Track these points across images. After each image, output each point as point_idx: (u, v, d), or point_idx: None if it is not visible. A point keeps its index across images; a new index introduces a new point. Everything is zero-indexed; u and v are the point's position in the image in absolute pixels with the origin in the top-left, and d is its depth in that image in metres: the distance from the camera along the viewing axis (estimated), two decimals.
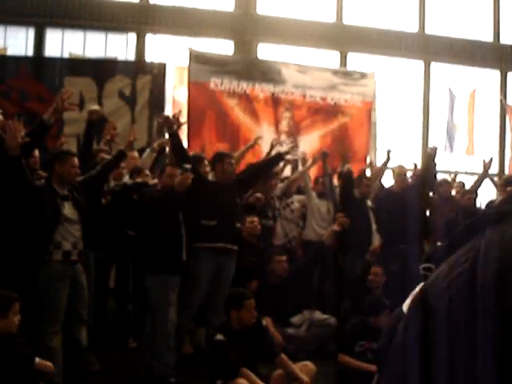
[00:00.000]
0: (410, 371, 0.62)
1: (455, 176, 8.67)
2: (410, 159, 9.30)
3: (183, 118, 6.60)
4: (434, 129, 11.49)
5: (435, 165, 7.88)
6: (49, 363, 3.99)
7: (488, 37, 11.98)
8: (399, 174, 7.72)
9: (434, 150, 7.75)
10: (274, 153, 7.11)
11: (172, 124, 5.92)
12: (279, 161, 6.56)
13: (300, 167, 8.01)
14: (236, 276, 6.10)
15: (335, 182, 7.85)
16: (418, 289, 0.70)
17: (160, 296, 5.41)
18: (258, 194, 6.70)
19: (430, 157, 7.82)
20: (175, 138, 5.90)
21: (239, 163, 7.13)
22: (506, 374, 0.56)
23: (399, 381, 0.63)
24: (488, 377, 0.56)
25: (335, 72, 10.01)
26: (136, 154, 6.75)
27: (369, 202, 7.41)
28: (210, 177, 6.15)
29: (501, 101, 11.25)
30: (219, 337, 4.72)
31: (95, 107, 6.22)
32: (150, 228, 5.53)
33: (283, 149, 9.08)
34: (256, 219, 6.63)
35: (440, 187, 7.99)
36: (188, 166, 5.41)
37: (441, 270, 0.66)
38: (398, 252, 6.87)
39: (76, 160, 5.15)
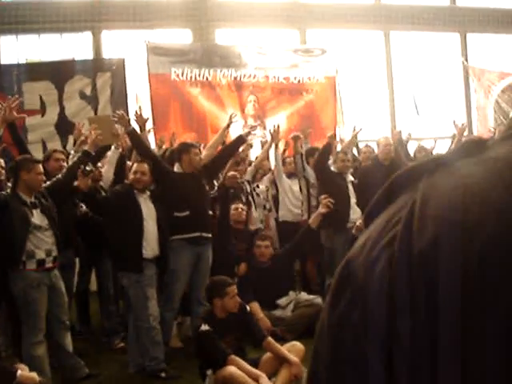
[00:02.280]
0: (335, 359, 0.52)
1: (435, 143, 8.68)
2: (379, 130, 9.34)
3: (145, 114, 6.51)
4: (400, 97, 11.49)
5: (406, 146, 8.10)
6: (32, 374, 3.93)
7: (445, 1, 12.04)
8: (386, 144, 7.73)
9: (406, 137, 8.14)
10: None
11: (126, 122, 5.90)
12: (241, 143, 6.54)
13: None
14: (226, 263, 6.15)
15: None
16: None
17: (137, 292, 5.39)
18: (231, 173, 6.63)
19: (400, 142, 7.97)
20: (133, 136, 5.86)
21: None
22: (442, 359, 0.46)
23: (327, 368, 0.53)
24: (422, 361, 0.47)
25: (296, 50, 9.99)
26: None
27: (349, 176, 7.38)
28: (176, 168, 6.08)
29: (462, 63, 11.30)
30: (204, 327, 4.70)
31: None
32: (112, 227, 5.52)
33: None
34: (240, 205, 6.69)
35: (418, 154, 8.08)
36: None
37: (368, 235, 0.53)
38: None
39: (41, 167, 5.08)
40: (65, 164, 6.04)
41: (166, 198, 5.77)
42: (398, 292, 0.48)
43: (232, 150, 6.50)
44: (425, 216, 0.49)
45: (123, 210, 5.44)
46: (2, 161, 5.51)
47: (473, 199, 0.48)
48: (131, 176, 5.61)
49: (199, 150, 6.21)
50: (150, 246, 5.49)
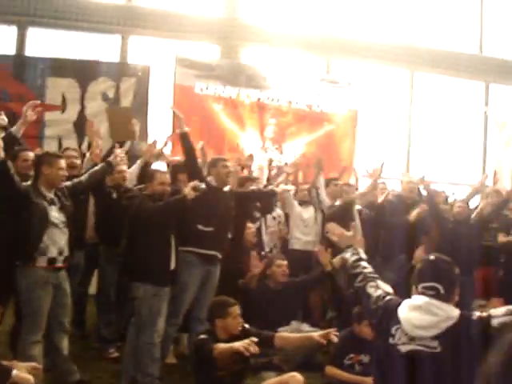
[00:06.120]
0: None
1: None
2: (395, 168, 9.30)
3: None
4: (417, 139, 11.47)
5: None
6: (28, 376, 3.81)
7: (473, 48, 12.03)
8: (409, 182, 7.69)
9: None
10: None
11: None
12: (272, 196, 6.99)
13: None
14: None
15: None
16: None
17: (152, 307, 5.17)
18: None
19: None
20: (184, 138, 5.92)
21: None
22: None
23: None
24: None
25: (321, 79, 9.98)
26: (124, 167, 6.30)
27: (357, 206, 7.29)
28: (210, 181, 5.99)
29: (485, 112, 11.29)
30: (203, 336, 4.55)
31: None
32: (141, 237, 5.24)
33: (268, 155, 9.12)
34: (252, 226, 6.71)
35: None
36: (203, 186, 5.30)
37: None
38: (397, 261, 6.87)
39: (63, 162, 5.01)
40: (77, 161, 6.04)
41: (194, 209, 5.44)
42: None
43: (260, 197, 6.85)
44: None
45: (156, 223, 5.21)
46: (30, 154, 5.42)
47: None
48: (156, 187, 5.38)
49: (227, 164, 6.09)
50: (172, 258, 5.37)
